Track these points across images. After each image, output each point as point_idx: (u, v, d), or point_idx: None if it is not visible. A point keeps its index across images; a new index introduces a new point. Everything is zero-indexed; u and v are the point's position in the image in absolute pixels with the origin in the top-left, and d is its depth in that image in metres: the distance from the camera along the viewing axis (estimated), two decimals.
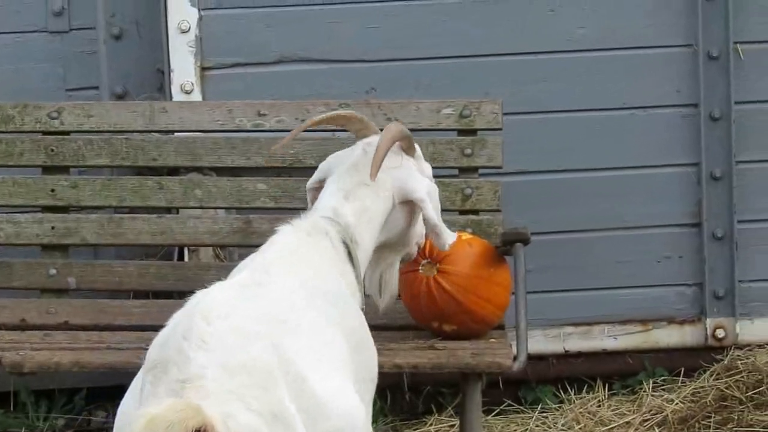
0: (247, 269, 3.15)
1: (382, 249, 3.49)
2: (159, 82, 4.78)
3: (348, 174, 3.39)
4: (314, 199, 3.52)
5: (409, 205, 3.43)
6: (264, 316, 2.93)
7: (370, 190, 3.40)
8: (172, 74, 4.67)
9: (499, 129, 4.28)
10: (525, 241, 4.16)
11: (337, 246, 3.30)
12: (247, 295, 2.99)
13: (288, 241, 3.23)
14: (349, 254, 3.31)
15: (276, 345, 2.86)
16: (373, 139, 3.43)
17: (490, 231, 4.19)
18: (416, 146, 3.49)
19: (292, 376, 2.85)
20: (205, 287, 3.01)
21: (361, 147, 3.45)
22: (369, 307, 3.43)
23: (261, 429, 2.74)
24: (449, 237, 3.53)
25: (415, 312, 4.05)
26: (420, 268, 3.97)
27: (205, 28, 4.64)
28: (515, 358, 3.89)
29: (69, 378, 4.48)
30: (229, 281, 3.10)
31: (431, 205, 3.44)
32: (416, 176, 3.48)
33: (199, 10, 4.62)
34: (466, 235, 4.11)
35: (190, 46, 4.64)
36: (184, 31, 4.60)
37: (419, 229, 3.54)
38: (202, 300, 2.93)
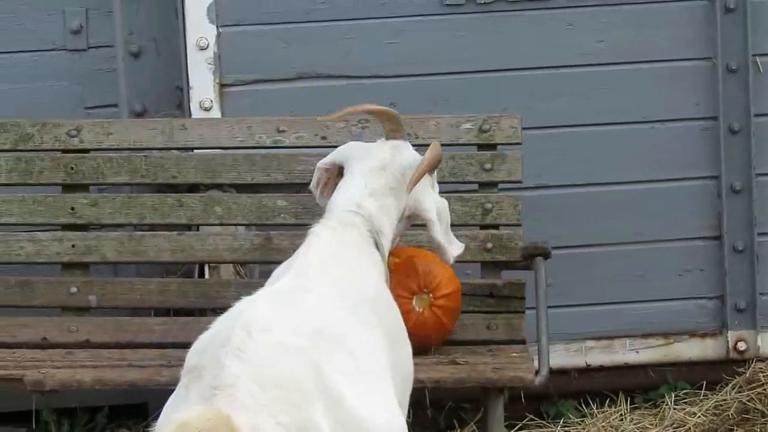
0: (288, 274, 3.18)
1: None
2: (178, 100, 4.78)
3: (376, 174, 3.46)
4: (322, 179, 3.64)
5: (416, 216, 3.56)
6: (305, 329, 2.92)
7: (394, 194, 3.48)
8: (190, 91, 4.65)
9: (519, 144, 4.26)
10: (546, 255, 4.17)
11: (364, 235, 3.36)
12: (289, 304, 3.00)
13: (324, 241, 3.28)
14: (375, 242, 3.38)
15: (315, 362, 2.85)
16: (400, 144, 3.54)
17: (510, 245, 4.19)
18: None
19: (329, 394, 2.83)
20: (232, 303, 2.97)
21: (389, 149, 3.54)
22: None
23: None
24: (455, 250, 3.61)
25: None
26: (414, 301, 3.96)
27: (223, 45, 4.64)
28: (537, 373, 3.87)
29: (91, 396, 4.44)
30: (272, 288, 3.13)
31: (439, 227, 3.54)
32: (430, 194, 3.58)
33: (217, 27, 4.63)
34: (417, 251, 4.06)
35: (209, 63, 4.63)
36: (202, 48, 4.59)
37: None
38: (246, 310, 2.93)
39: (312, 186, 3.75)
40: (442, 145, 3.93)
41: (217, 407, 2.67)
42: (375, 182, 3.51)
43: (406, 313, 3.68)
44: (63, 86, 4.76)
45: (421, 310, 4.01)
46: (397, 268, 3.81)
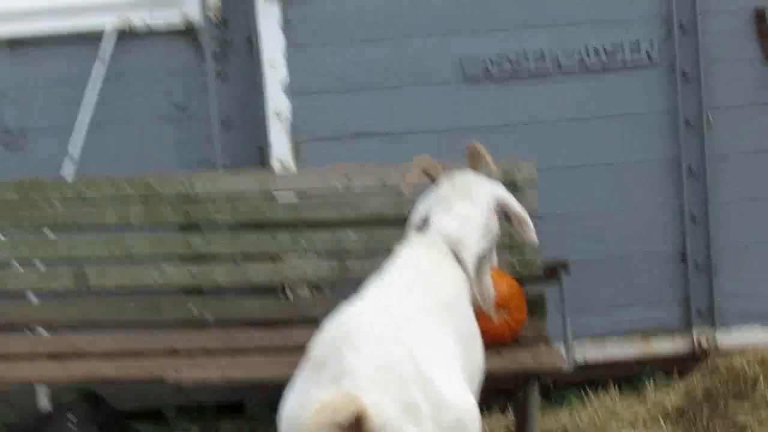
0: (378, 284, 3.38)
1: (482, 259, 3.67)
2: (260, 157, 5.14)
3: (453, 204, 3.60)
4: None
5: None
6: (399, 326, 3.18)
7: (475, 212, 3.60)
8: (270, 149, 5.03)
9: (535, 182, 4.63)
10: (566, 268, 4.52)
11: (443, 251, 3.51)
12: (384, 306, 3.26)
13: (407, 256, 3.48)
14: (456, 258, 3.53)
15: (410, 350, 3.11)
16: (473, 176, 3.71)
17: (531, 262, 4.53)
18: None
19: (422, 377, 3.10)
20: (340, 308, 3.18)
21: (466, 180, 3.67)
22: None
23: (399, 416, 3.00)
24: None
25: None
26: (494, 317, 4.08)
27: (296, 112, 5.02)
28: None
29: (201, 394, 4.74)
30: (368, 297, 3.32)
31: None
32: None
33: (290, 97, 5.01)
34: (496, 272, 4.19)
35: (285, 126, 5.02)
36: (278, 114, 5.00)
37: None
38: (351, 312, 3.21)
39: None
40: None
41: (345, 389, 2.93)
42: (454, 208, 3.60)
43: (485, 323, 3.82)
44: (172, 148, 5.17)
45: (500, 320, 4.29)
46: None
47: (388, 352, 3.08)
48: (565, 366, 4.19)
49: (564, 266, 4.51)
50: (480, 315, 3.68)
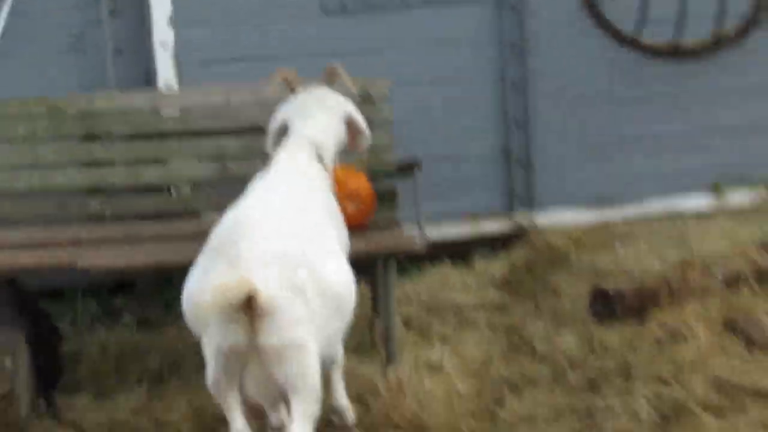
0: (262, 184, 3.56)
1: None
2: (148, 81, 5.41)
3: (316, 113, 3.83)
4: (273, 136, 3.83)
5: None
6: (284, 216, 3.36)
7: (332, 123, 3.84)
8: (157, 74, 5.38)
9: (387, 97, 4.86)
10: (419, 165, 4.80)
11: (310, 153, 3.74)
12: (271, 201, 3.44)
13: (284, 159, 3.69)
14: (320, 159, 3.77)
15: (295, 236, 3.30)
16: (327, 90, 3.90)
17: (386, 162, 4.78)
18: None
19: (307, 259, 3.26)
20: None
21: (324, 93, 3.92)
22: None
23: (287, 294, 3.16)
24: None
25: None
26: (349, 205, 4.40)
27: (179, 41, 5.39)
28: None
29: (97, 276, 4.54)
30: (255, 192, 3.49)
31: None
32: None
33: (174, 28, 5.30)
34: (347, 173, 4.41)
35: (169, 54, 5.31)
36: (163, 43, 5.32)
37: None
38: (244, 207, 3.37)
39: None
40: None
41: (238, 273, 3.08)
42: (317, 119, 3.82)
43: (346, 210, 4.09)
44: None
45: (354, 209, 4.50)
46: (338, 184, 4.06)
47: (276, 240, 3.23)
48: (419, 246, 4.43)
49: (418, 164, 4.79)
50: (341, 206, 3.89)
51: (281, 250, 3.20)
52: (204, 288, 3.03)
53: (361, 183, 4.57)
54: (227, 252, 3.13)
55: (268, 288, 3.08)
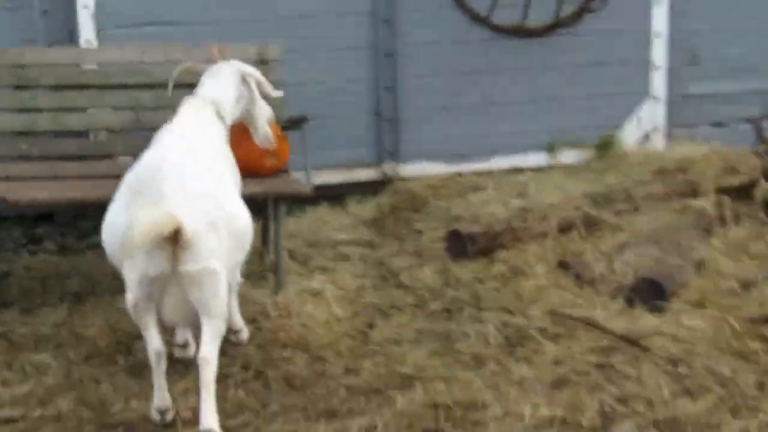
0: (171, 134, 3.74)
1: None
2: (72, 40, 5.53)
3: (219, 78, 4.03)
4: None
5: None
6: (197, 162, 3.57)
7: (232, 87, 4.00)
8: (79, 33, 5.50)
9: (279, 60, 5.07)
10: (307, 121, 5.03)
11: (210, 110, 3.93)
12: (182, 148, 3.64)
13: (188, 112, 3.93)
14: (219, 116, 3.96)
15: (208, 181, 3.53)
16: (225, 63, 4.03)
17: (278, 117, 4.74)
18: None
19: (218, 200, 3.53)
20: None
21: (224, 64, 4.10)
22: None
23: (207, 229, 3.40)
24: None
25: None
26: (267, 159, 4.67)
27: (99, 4, 5.53)
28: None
29: (21, 208, 4.88)
30: (166, 141, 3.64)
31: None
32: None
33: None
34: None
35: (90, 15, 5.45)
36: (86, 7, 5.46)
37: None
38: (159, 152, 3.54)
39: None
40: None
41: (164, 210, 3.26)
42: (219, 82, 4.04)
43: (262, 163, 4.45)
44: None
45: (270, 164, 4.80)
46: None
47: (194, 181, 3.48)
48: (307, 190, 4.70)
49: (306, 119, 5.00)
50: (254, 154, 4.27)
51: (199, 191, 3.45)
52: (132, 225, 3.20)
53: (278, 138, 4.65)
54: (152, 191, 3.31)
55: (192, 224, 3.32)
